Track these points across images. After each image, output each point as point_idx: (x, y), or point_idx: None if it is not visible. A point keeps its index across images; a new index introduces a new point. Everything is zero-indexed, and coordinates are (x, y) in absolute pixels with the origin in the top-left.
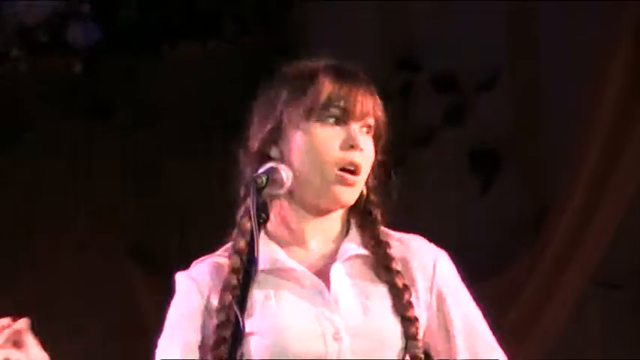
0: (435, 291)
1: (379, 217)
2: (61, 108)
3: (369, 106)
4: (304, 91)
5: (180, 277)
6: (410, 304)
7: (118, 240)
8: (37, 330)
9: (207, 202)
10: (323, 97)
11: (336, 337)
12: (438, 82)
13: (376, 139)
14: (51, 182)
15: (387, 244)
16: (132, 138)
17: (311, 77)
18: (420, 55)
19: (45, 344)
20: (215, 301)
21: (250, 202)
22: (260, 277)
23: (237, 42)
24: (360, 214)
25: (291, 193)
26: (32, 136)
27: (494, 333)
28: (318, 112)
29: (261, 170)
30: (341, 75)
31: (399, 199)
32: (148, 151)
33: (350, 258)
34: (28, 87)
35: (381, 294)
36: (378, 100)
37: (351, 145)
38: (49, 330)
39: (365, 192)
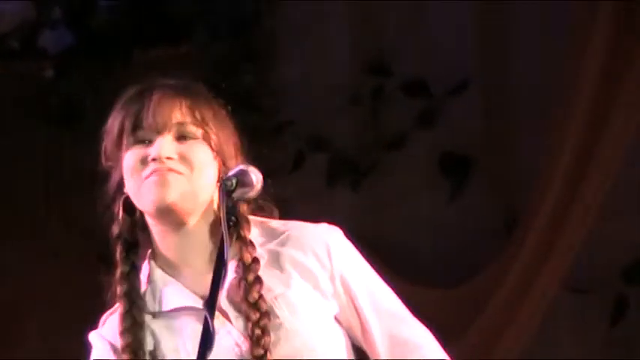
0: (337, 279)
1: (244, 229)
2: (33, 113)
3: (175, 114)
4: (116, 119)
5: (94, 338)
6: (260, 339)
7: (91, 246)
8: (8, 334)
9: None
10: (126, 123)
11: None
12: (409, 87)
13: (211, 143)
14: (23, 188)
15: (248, 256)
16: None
17: (122, 104)
18: (391, 60)
19: (17, 348)
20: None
21: (221, 205)
22: (164, 320)
23: (209, 48)
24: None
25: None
26: (4, 140)
27: (464, 338)
28: (124, 140)
29: (230, 173)
30: (142, 93)
31: (370, 202)
32: None
33: (229, 286)
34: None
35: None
36: (203, 105)
37: (152, 158)
38: (21, 334)
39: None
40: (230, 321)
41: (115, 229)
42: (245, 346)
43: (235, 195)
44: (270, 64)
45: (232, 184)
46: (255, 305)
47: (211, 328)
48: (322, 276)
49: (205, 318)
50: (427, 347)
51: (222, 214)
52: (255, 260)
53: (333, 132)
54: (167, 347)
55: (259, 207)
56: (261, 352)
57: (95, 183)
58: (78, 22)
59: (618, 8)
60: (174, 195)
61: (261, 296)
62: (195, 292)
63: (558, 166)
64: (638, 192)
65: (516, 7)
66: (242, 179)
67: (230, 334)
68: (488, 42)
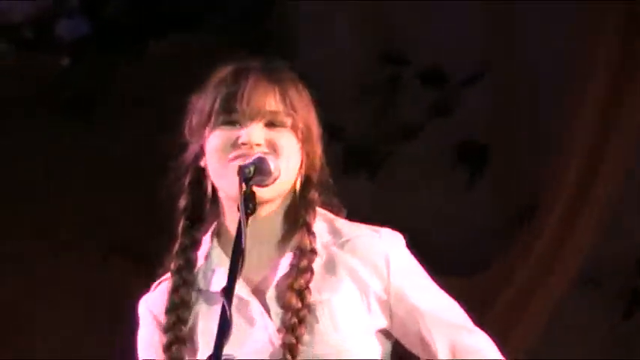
0: (393, 290)
1: (310, 216)
2: (49, 101)
3: (268, 102)
4: (208, 97)
5: (141, 307)
6: (294, 329)
7: (101, 236)
8: (21, 327)
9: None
10: (217, 103)
11: None
12: (425, 76)
13: (298, 132)
14: (35, 175)
15: (307, 243)
16: (116, 131)
17: (215, 83)
18: (407, 49)
19: (29, 339)
20: None
21: (239, 193)
22: (208, 300)
23: (223, 36)
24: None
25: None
26: (18, 129)
27: (481, 323)
28: (214, 119)
29: (248, 160)
30: (237, 76)
31: (385, 191)
32: (133, 145)
33: (283, 276)
34: (14, 81)
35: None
36: (294, 94)
37: (242, 143)
38: (33, 326)
39: (300, 184)
40: (270, 316)
41: (182, 202)
42: (279, 343)
43: (253, 182)
44: (284, 53)
45: (250, 172)
46: (300, 294)
47: (228, 316)
48: (377, 287)
49: (223, 306)
50: (488, 353)
51: (240, 201)
52: (313, 250)
53: (349, 121)
54: (203, 327)
55: (328, 204)
56: (293, 341)
57: (109, 168)
58: (94, 11)
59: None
60: (265, 191)
61: (307, 287)
62: (246, 279)
63: (573, 156)
64: None
65: None
66: (260, 167)
67: (266, 330)
68: (503, 31)
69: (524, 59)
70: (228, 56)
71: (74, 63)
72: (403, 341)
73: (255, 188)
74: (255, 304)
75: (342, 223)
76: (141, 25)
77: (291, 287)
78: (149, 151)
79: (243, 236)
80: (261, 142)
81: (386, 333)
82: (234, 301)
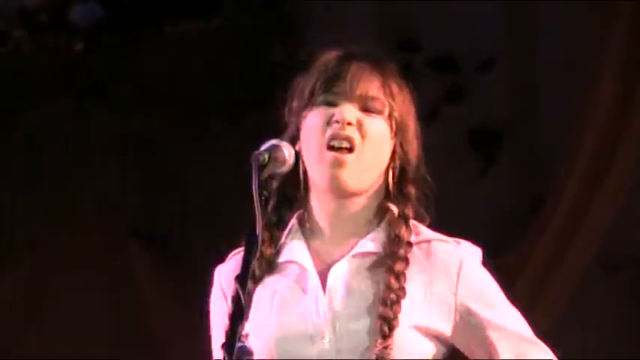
0: (459, 297)
1: (408, 213)
2: (63, 86)
3: (369, 88)
4: (310, 79)
5: (215, 276)
6: (392, 304)
7: (120, 221)
8: (37, 309)
9: (208, 182)
10: (318, 84)
11: (321, 342)
12: (438, 63)
13: (392, 122)
14: (52, 162)
15: (402, 244)
16: (133, 118)
17: (319, 66)
18: (420, 35)
19: (47, 322)
20: None
21: (253, 180)
22: (274, 269)
23: (238, 20)
24: (396, 199)
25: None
26: (34, 115)
27: None
28: (313, 99)
29: (263, 147)
30: (342, 60)
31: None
32: (149, 130)
33: (357, 255)
34: (30, 66)
35: (373, 296)
36: (394, 85)
37: (335, 120)
38: (51, 309)
39: (397, 183)
40: (325, 289)
41: (275, 182)
42: (323, 317)
43: (267, 170)
44: (299, 39)
45: (265, 159)
46: (397, 277)
47: (243, 302)
48: (444, 291)
49: (237, 291)
50: None
51: (255, 189)
52: (410, 243)
53: None
54: (259, 295)
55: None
56: (390, 315)
57: (125, 155)
58: None
59: None
60: (352, 179)
61: (404, 273)
62: (314, 253)
63: (588, 140)
64: None
65: None
66: (274, 154)
67: (316, 300)
68: (515, 17)
69: (536, 44)
70: (242, 38)
71: (88, 48)
72: (465, 350)
73: (331, 172)
74: (313, 276)
75: (422, 228)
76: (156, 10)
77: (390, 269)
78: (165, 134)
79: (258, 224)
80: (352, 122)
81: (442, 339)
82: (297, 269)
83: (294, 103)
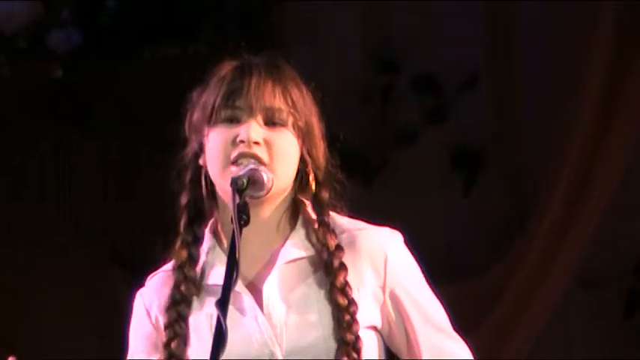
0: (388, 289)
1: (327, 220)
2: (42, 112)
3: (272, 100)
4: (210, 93)
5: (136, 299)
6: (348, 306)
7: (101, 244)
8: (19, 333)
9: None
10: (219, 99)
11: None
12: (419, 84)
13: (297, 131)
14: (32, 187)
15: (332, 252)
16: (112, 142)
17: (218, 78)
18: (401, 57)
19: (29, 346)
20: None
21: (232, 205)
22: (204, 292)
23: (217, 45)
24: (312, 208)
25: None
26: (14, 139)
27: (477, 332)
28: (215, 115)
29: (241, 172)
30: (241, 72)
31: (382, 199)
32: (128, 156)
33: (288, 263)
34: (8, 92)
35: (318, 301)
36: (295, 91)
37: (241, 140)
38: (32, 333)
39: (311, 185)
40: (262, 307)
41: (184, 199)
42: (268, 333)
43: (246, 194)
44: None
45: (243, 183)
46: (343, 291)
47: (223, 327)
48: (373, 284)
49: (218, 317)
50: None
51: (234, 213)
52: (339, 247)
53: (343, 130)
54: (196, 320)
55: (332, 205)
56: (353, 338)
57: (105, 180)
58: (86, 21)
59: (621, 6)
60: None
61: (347, 283)
62: (241, 274)
63: (569, 159)
64: None
65: (524, 3)
66: (253, 178)
67: (256, 320)
68: (496, 37)
69: (517, 64)
70: (221, 62)
71: (67, 74)
72: (387, 338)
73: (264, 176)
74: (246, 297)
75: (342, 220)
76: (134, 35)
77: (333, 285)
78: (146, 159)
79: (237, 249)
80: (259, 141)
81: (375, 330)
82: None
83: (195, 117)
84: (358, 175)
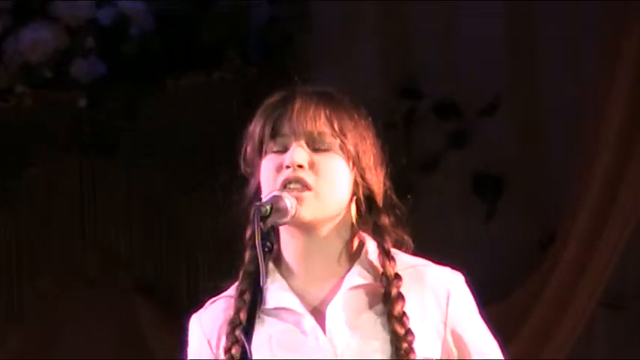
0: (449, 325)
1: (388, 246)
2: (66, 143)
3: (315, 124)
4: (257, 125)
5: (193, 324)
6: (405, 335)
7: (127, 276)
8: None
9: (214, 236)
10: (266, 129)
11: None
12: (441, 109)
13: (346, 154)
14: (57, 218)
15: (391, 281)
16: (137, 172)
17: (265, 109)
18: (422, 82)
19: None
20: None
21: (255, 232)
22: (264, 315)
23: (241, 73)
24: (374, 238)
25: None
26: (36, 172)
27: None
28: (264, 146)
29: (265, 199)
30: (286, 100)
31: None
32: (154, 185)
33: (351, 289)
34: (32, 122)
35: (377, 328)
36: (344, 115)
37: (286, 165)
38: None
39: (369, 214)
40: (324, 329)
41: (249, 232)
42: (327, 355)
43: (270, 221)
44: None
45: (267, 210)
46: (400, 320)
47: (249, 354)
48: (435, 318)
49: (242, 344)
50: None
51: (257, 241)
52: (398, 276)
53: None
54: (256, 342)
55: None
56: None
57: (129, 211)
58: (110, 51)
59: None
60: (305, 213)
61: (405, 313)
62: (299, 295)
63: (592, 183)
64: None
65: (545, 25)
66: (276, 205)
67: (317, 340)
68: (518, 60)
69: (539, 87)
70: (245, 90)
71: (91, 103)
72: None
73: (300, 211)
74: (308, 318)
75: (405, 255)
76: (157, 64)
77: (391, 315)
78: (171, 188)
79: (262, 276)
80: (303, 164)
81: None
82: (287, 314)
83: (248, 151)
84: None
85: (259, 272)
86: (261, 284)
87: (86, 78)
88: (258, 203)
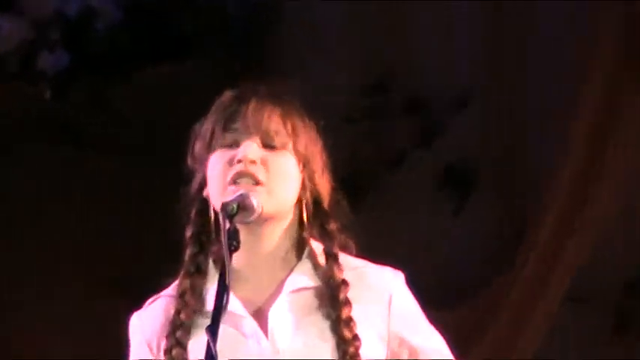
0: (393, 328)
1: (335, 251)
2: (34, 132)
3: (270, 123)
4: (209, 122)
5: (133, 324)
6: (352, 340)
7: (99, 268)
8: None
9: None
10: (218, 125)
11: None
12: (410, 104)
13: (298, 156)
14: (23, 207)
15: (339, 286)
16: (102, 163)
17: (218, 107)
18: (391, 77)
19: None
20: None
21: (222, 230)
22: (204, 318)
23: (209, 65)
24: (321, 242)
25: None
26: (7, 160)
27: (471, 353)
28: (214, 141)
29: (231, 197)
30: (240, 98)
31: (372, 221)
32: (118, 176)
33: (294, 292)
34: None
35: (323, 331)
36: (297, 119)
37: (238, 160)
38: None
39: (315, 218)
40: (267, 332)
41: (189, 231)
42: (271, 356)
43: (237, 219)
44: (270, 81)
45: (233, 209)
46: (348, 325)
47: (213, 352)
48: (377, 321)
49: (207, 343)
50: None
51: (224, 239)
52: (345, 282)
53: (332, 151)
54: (194, 346)
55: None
56: None
57: (97, 200)
58: (76, 43)
59: (619, 29)
60: (263, 202)
61: (351, 318)
62: (242, 297)
63: (563, 178)
64: None
65: (516, 21)
66: (243, 204)
67: (259, 343)
68: (488, 56)
69: (511, 84)
70: (212, 85)
71: (56, 96)
72: None
73: (254, 201)
74: (250, 321)
75: (346, 257)
76: (123, 55)
77: (338, 319)
78: (138, 182)
79: (227, 274)
80: (256, 160)
81: None
82: (228, 316)
83: (197, 148)
84: (349, 196)
85: (225, 272)
86: (227, 282)
87: (52, 70)
88: (225, 201)
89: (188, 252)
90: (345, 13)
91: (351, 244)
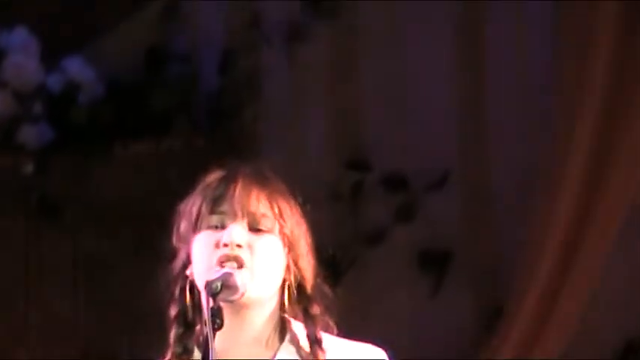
0: None
1: (319, 336)
2: (13, 207)
3: (257, 206)
4: (196, 202)
5: None
6: None
7: (70, 342)
8: None
9: (157, 304)
10: (204, 206)
11: None
12: (388, 182)
13: (284, 239)
14: (3, 280)
15: (322, 356)
16: (83, 239)
17: (204, 187)
18: (370, 155)
19: None
20: None
21: (205, 308)
22: None
23: (190, 143)
24: (302, 319)
25: None
26: None
27: None
28: (200, 222)
29: (215, 276)
30: (226, 179)
31: (349, 298)
32: (98, 252)
33: None
34: None
35: None
36: (282, 201)
37: (224, 243)
38: None
39: (299, 302)
40: None
41: (173, 310)
42: None
43: (220, 297)
44: (249, 158)
45: (217, 287)
46: None
47: None
48: None
49: None
50: None
51: (207, 317)
52: None
53: (312, 228)
54: None
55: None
56: None
57: (75, 277)
58: (59, 117)
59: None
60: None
61: None
62: None
63: (542, 259)
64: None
65: (494, 100)
66: (227, 283)
67: None
68: (467, 135)
69: (489, 164)
70: (194, 159)
71: (38, 169)
72: None
73: (238, 280)
74: None
75: (327, 336)
76: (106, 132)
77: None
78: (118, 256)
79: (210, 352)
80: (242, 243)
81: None
82: None
83: (182, 227)
84: (325, 274)
85: (208, 349)
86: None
87: (34, 144)
88: (209, 280)
89: (173, 333)
90: (326, 87)
91: (332, 325)
